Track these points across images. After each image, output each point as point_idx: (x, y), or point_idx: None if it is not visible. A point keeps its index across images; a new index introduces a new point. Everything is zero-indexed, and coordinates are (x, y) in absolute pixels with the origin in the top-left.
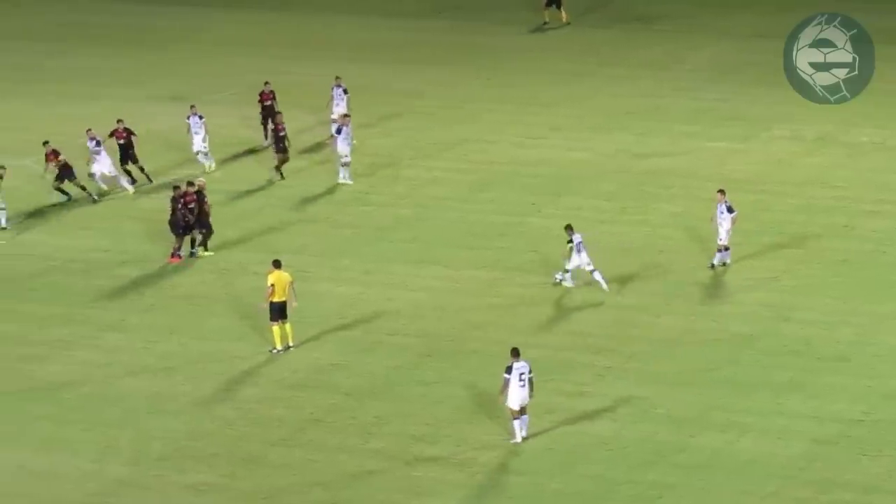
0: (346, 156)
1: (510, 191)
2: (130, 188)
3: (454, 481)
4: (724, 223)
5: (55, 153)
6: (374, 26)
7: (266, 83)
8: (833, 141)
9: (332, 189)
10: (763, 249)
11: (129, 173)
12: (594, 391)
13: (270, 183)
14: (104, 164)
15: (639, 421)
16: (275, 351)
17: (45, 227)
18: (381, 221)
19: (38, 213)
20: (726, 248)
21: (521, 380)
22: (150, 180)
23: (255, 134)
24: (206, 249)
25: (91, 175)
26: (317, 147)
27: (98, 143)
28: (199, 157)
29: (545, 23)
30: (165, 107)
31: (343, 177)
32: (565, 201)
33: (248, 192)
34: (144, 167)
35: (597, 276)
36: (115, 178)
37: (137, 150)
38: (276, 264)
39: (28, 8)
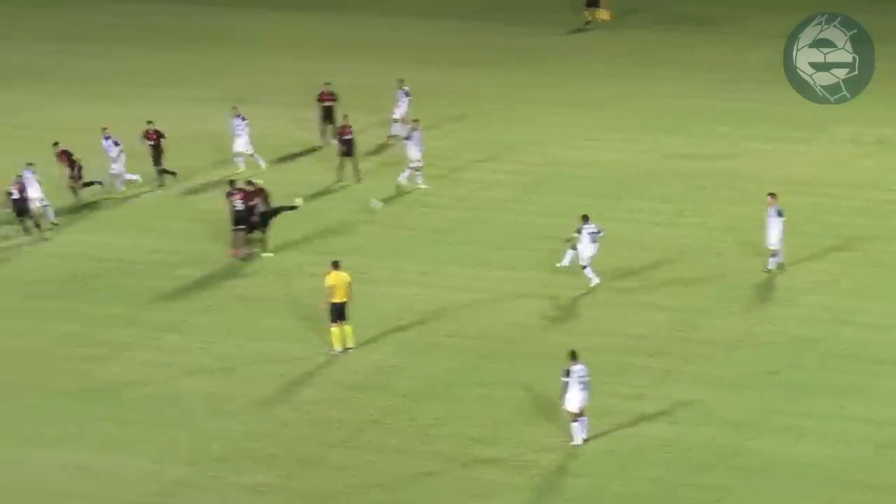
0: (418, 160)
1: (566, 193)
2: (125, 185)
3: (513, 483)
4: (775, 227)
5: (66, 153)
6: (426, 28)
7: (326, 84)
8: (893, 144)
9: (392, 191)
10: (822, 252)
11: (165, 173)
12: (652, 394)
13: (343, 186)
14: (119, 163)
15: (697, 424)
16: (333, 352)
17: (103, 228)
18: (439, 223)
19: (95, 214)
20: (778, 252)
21: (579, 382)
22: (174, 175)
23: (311, 135)
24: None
25: (111, 175)
26: (378, 149)
27: (116, 143)
28: (236, 159)
29: (587, 23)
30: (216, 108)
31: (403, 178)
32: (622, 203)
33: (306, 194)
34: (168, 170)
35: (588, 271)
36: (118, 176)
37: (165, 152)
38: (335, 265)
39: (76, 8)
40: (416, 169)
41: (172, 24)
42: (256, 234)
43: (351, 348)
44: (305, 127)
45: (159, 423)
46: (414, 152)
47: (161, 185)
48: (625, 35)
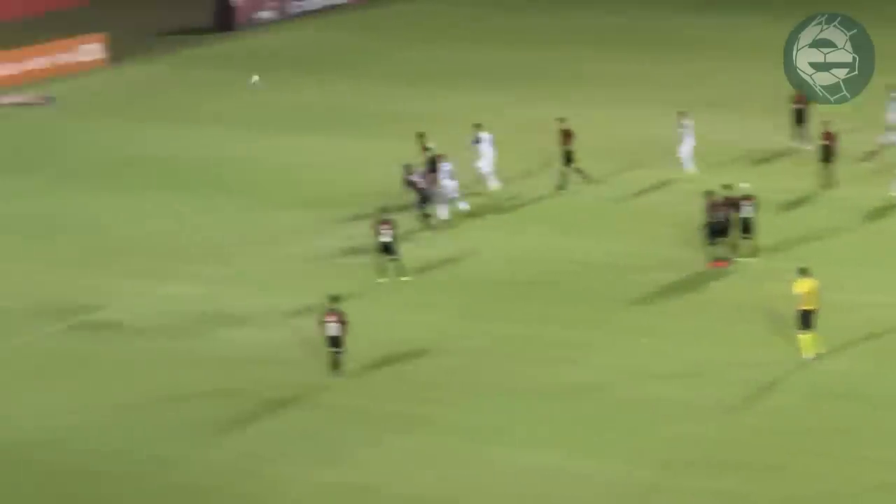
0: None
1: None
2: (497, 185)
3: None
4: None
5: (426, 150)
6: None
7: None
8: None
9: (877, 199)
10: None
11: (578, 172)
12: None
13: (822, 192)
14: (485, 161)
15: None
16: (802, 359)
17: (554, 230)
18: None
19: (562, 217)
20: None
21: None
22: (586, 179)
23: (790, 139)
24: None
25: (479, 170)
26: (867, 156)
27: (478, 140)
28: (686, 163)
29: None
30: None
31: None
32: None
33: (786, 200)
34: (581, 169)
35: None
36: (487, 175)
37: (576, 153)
38: (804, 272)
39: (570, 11)
40: None
41: (655, 28)
42: (731, 239)
43: (822, 354)
44: (785, 132)
45: (628, 426)
46: None
47: (561, 187)
48: None
